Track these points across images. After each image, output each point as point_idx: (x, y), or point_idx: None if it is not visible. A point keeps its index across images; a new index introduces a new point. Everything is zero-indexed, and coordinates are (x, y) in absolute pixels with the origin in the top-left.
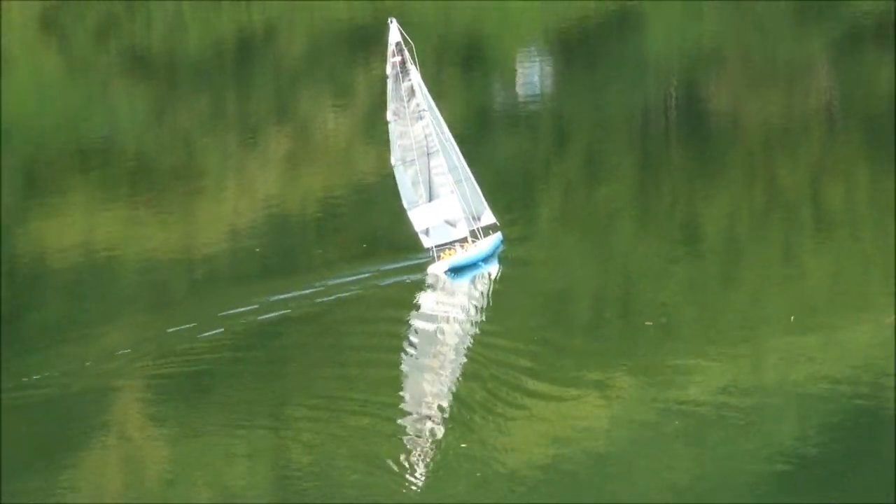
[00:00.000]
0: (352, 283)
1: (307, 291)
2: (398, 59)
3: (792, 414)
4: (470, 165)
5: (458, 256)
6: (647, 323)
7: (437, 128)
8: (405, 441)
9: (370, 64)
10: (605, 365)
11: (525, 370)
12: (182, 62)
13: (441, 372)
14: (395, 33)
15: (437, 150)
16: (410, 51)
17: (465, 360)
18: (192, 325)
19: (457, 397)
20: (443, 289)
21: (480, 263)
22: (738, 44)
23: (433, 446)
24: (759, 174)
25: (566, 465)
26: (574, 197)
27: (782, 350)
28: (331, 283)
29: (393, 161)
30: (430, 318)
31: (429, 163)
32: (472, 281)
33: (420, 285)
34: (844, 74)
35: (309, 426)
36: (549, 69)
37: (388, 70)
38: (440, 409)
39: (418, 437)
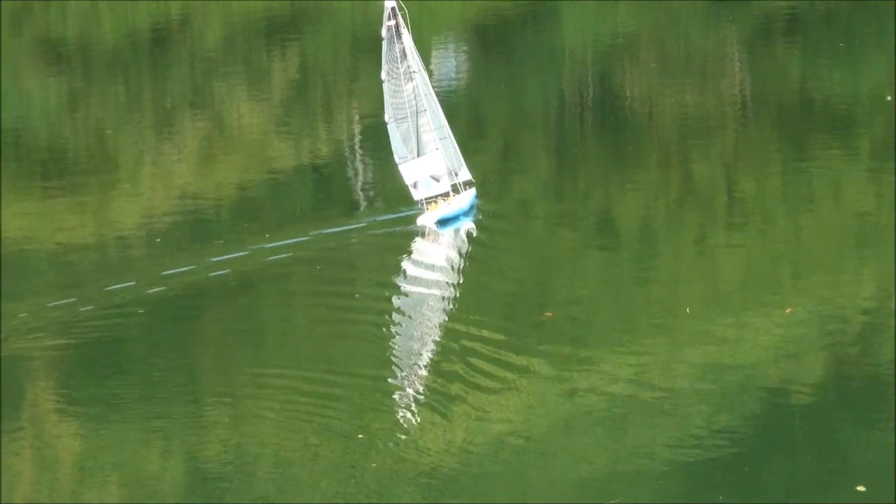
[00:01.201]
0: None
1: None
2: (393, 22)
3: (703, 404)
4: (384, 154)
5: (444, 209)
6: (546, 314)
7: (425, 88)
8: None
9: (286, 56)
10: (511, 357)
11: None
12: (97, 53)
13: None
14: None
15: (425, 109)
16: (404, 16)
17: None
18: (131, 282)
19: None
20: (434, 237)
21: (462, 216)
22: (652, 37)
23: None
24: (674, 166)
25: (476, 460)
26: (487, 187)
27: (694, 341)
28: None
29: (386, 118)
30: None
31: (417, 121)
32: (456, 231)
33: (413, 234)
34: (756, 68)
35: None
36: (464, 59)
37: (384, 33)
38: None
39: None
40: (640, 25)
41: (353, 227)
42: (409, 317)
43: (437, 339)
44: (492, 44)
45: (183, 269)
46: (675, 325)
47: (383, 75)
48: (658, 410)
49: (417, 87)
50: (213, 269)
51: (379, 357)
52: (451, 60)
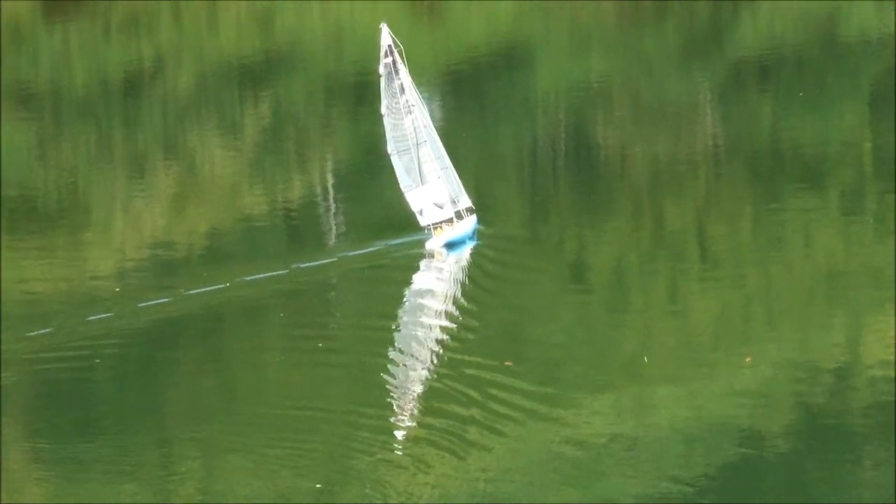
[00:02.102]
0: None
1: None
2: (390, 59)
3: (674, 453)
4: (361, 198)
5: (449, 233)
6: (507, 363)
7: (424, 121)
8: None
9: (258, 102)
10: (485, 405)
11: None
12: (68, 99)
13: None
14: (386, 37)
15: (425, 141)
16: (400, 52)
17: None
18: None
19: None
20: (443, 260)
21: (466, 240)
22: (625, 85)
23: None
24: (646, 213)
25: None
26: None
27: (666, 388)
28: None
29: (389, 150)
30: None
31: (418, 152)
32: (460, 254)
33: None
34: (728, 116)
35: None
36: (437, 106)
37: (381, 70)
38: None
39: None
40: (613, 73)
41: (328, 260)
42: (385, 354)
43: (408, 380)
44: (465, 91)
45: (160, 300)
46: (646, 372)
47: (383, 109)
48: (630, 458)
49: (416, 119)
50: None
51: (355, 395)
52: (425, 108)
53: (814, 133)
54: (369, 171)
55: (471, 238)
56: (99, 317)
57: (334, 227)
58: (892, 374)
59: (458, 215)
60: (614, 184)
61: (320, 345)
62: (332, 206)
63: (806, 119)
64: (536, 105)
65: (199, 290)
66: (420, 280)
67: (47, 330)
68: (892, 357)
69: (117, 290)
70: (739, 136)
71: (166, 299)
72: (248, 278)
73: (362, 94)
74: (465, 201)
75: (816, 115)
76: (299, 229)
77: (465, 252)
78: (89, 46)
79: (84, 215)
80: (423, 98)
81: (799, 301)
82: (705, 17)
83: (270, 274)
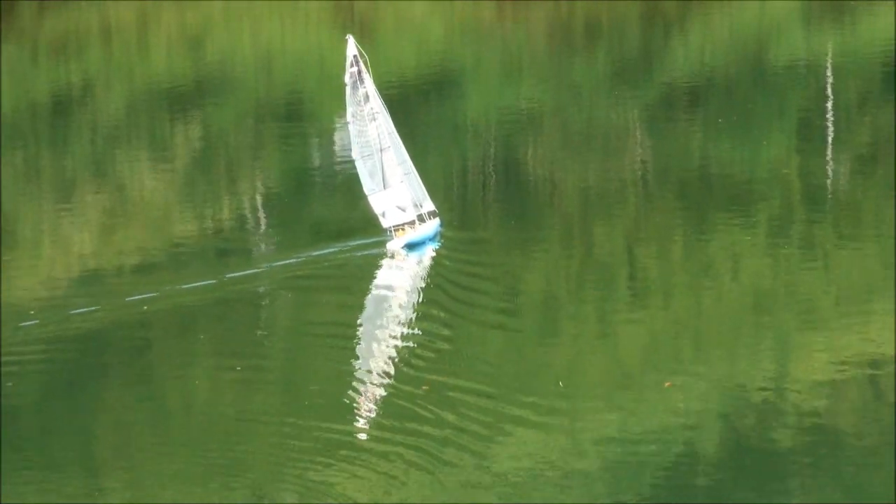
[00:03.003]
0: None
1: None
2: (355, 69)
3: (604, 479)
4: (289, 224)
5: (410, 235)
6: (423, 387)
7: (388, 128)
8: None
9: (188, 126)
10: (411, 430)
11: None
12: None
13: None
14: (352, 48)
15: (389, 147)
16: (365, 63)
17: None
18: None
19: None
20: (403, 260)
21: (428, 241)
22: (555, 111)
23: None
24: (575, 239)
25: None
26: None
27: (595, 415)
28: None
29: (354, 155)
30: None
31: (382, 157)
32: (421, 255)
33: (382, 257)
34: (658, 142)
35: None
36: None
37: (347, 79)
38: None
39: None
40: (544, 99)
41: (257, 270)
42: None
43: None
44: (395, 116)
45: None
46: (575, 398)
47: (349, 117)
48: (560, 486)
49: (380, 126)
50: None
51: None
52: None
53: (742, 159)
54: (300, 189)
55: (432, 240)
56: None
57: (265, 241)
58: (818, 397)
59: (421, 218)
60: (543, 209)
61: (238, 367)
62: (263, 223)
63: (735, 145)
64: (466, 129)
65: (133, 298)
66: (381, 279)
67: None
68: (819, 379)
69: (31, 312)
70: (668, 162)
71: (95, 308)
72: (183, 286)
73: (293, 115)
74: (429, 205)
75: (745, 141)
76: (230, 243)
77: (426, 253)
78: (17, 69)
79: (10, 237)
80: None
81: (727, 325)
82: (636, 43)
83: (202, 283)
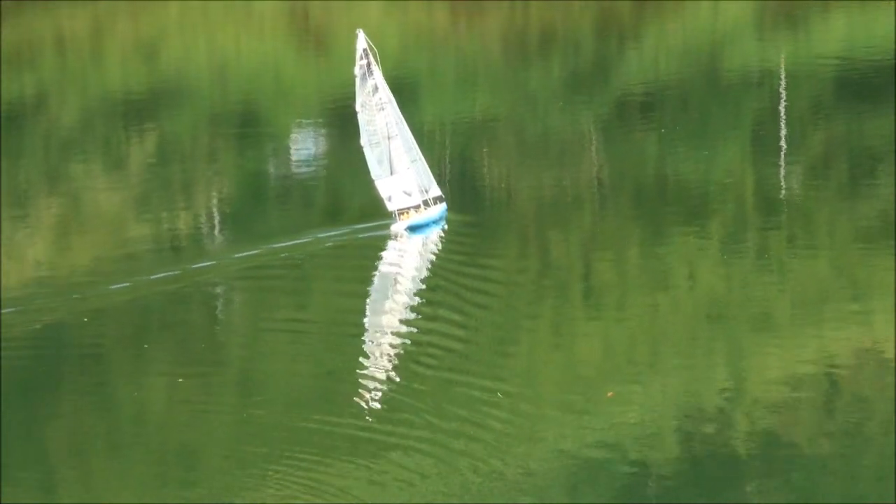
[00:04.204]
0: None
1: None
2: (365, 61)
3: (561, 486)
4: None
5: (414, 218)
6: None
7: (395, 117)
8: None
9: (144, 137)
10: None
11: None
12: None
13: None
14: (362, 41)
15: (396, 135)
16: (374, 56)
17: None
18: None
19: None
20: (405, 241)
21: (432, 224)
22: (510, 119)
23: None
24: (531, 247)
25: None
26: (346, 266)
27: (551, 421)
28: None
29: (362, 142)
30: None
31: (389, 145)
32: (425, 237)
33: (387, 238)
34: (613, 150)
35: None
36: (324, 141)
37: (356, 70)
38: None
39: None
40: (499, 108)
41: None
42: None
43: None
44: (351, 126)
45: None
46: (531, 406)
47: (357, 106)
48: (517, 490)
49: (388, 116)
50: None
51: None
52: (311, 143)
53: (697, 167)
54: (255, 200)
55: (436, 223)
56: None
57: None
58: (772, 406)
59: (426, 203)
60: (499, 218)
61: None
62: (218, 230)
63: (689, 154)
64: (422, 139)
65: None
66: (382, 259)
67: None
68: (774, 386)
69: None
70: (624, 171)
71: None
72: (152, 277)
73: (248, 126)
74: (435, 191)
75: (700, 150)
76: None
77: (430, 235)
78: None
79: None
80: (310, 135)
81: (682, 333)
82: (590, 52)
83: (164, 274)
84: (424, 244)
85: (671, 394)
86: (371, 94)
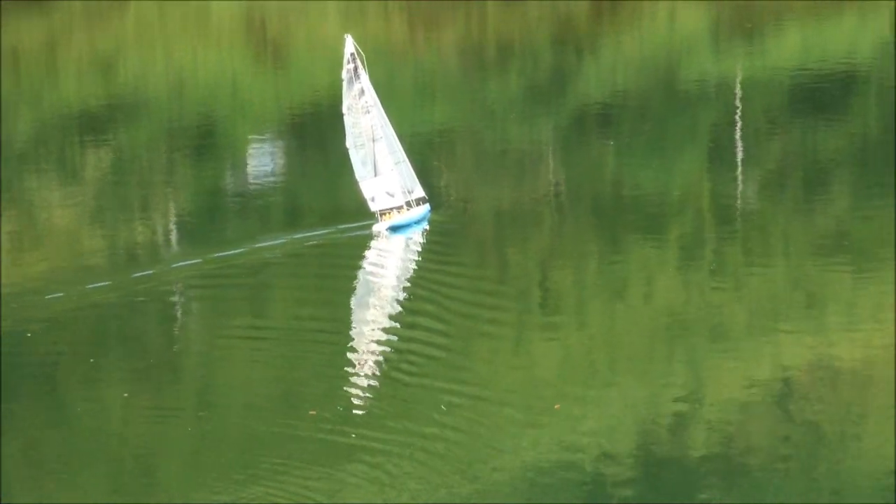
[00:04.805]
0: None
1: None
2: (352, 66)
3: (518, 495)
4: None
5: (396, 218)
6: (311, 412)
7: (381, 120)
8: None
9: (100, 146)
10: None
11: None
12: None
13: None
14: (349, 46)
15: (381, 137)
16: (362, 60)
17: None
18: None
19: None
20: (386, 241)
21: (413, 224)
22: (468, 132)
23: None
24: (490, 259)
25: None
26: (304, 277)
27: (508, 432)
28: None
29: (347, 144)
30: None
31: (374, 147)
32: (408, 236)
33: (369, 238)
34: (571, 163)
35: None
36: (281, 154)
37: (344, 74)
38: None
39: None
40: (457, 121)
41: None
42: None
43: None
44: (308, 138)
45: None
46: (490, 416)
47: (344, 109)
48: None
49: (374, 118)
50: None
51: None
52: (268, 155)
53: (655, 179)
54: (211, 213)
55: (418, 224)
56: None
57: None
58: (728, 415)
59: (409, 204)
60: (456, 230)
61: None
62: (173, 239)
63: (647, 165)
64: None
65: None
66: (363, 257)
67: None
68: (728, 398)
69: None
70: (582, 183)
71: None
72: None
73: (206, 139)
74: (419, 192)
75: (657, 162)
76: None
77: (411, 236)
78: None
79: None
80: (267, 147)
81: (639, 344)
82: (548, 64)
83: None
84: (407, 245)
85: (628, 403)
86: (357, 97)
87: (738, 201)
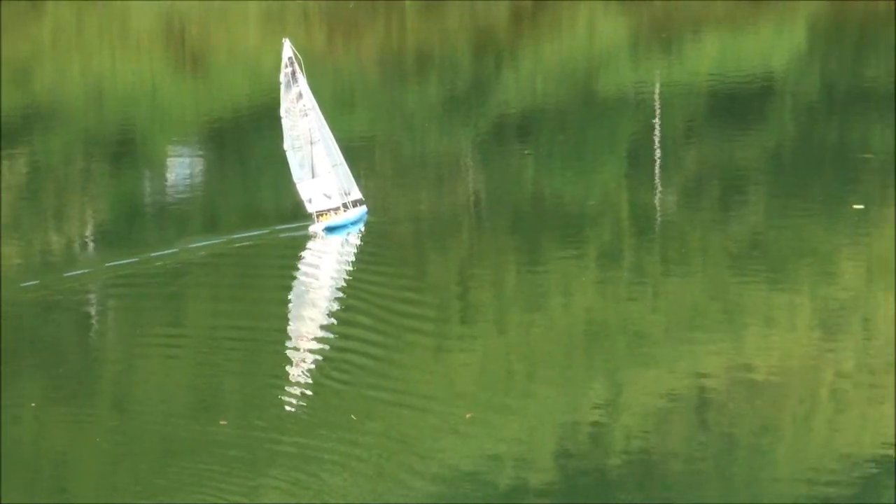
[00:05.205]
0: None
1: None
2: (290, 69)
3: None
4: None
5: (333, 219)
6: (221, 422)
7: (318, 123)
8: None
9: (14, 160)
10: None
11: None
12: None
13: None
14: (287, 50)
15: (319, 140)
16: (299, 64)
17: None
18: None
19: None
20: (321, 242)
21: (350, 225)
22: (387, 141)
23: None
24: (408, 268)
25: None
26: (224, 283)
27: (424, 442)
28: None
29: (285, 146)
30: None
31: (312, 150)
32: (344, 237)
33: (304, 239)
34: (490, 172)
35: None
36: (199, 161)
37: (282, 78)
38: None
39: None
40: (376, 129)
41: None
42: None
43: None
44: (228, 146)
45: None
46: (405, 427)
47: (282, 112)
48: None
49: (311, 122)
50: None
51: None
52: (186, 164)
53: (574, 188)
54: (129, 223)
55: (354, 225)
56: None
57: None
58: (646, 424)
59: (346, 206)
60: (374, 239)
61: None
62: (90, 245)
63: (566, 174)
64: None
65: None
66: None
67: None
68: (649, 405)
69: None
70: (500, 191)
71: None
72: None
73: (123, 149)
74: (356, 194)
75: (576, 170)
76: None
77: (346, 236)
78: None
79: None
80: (185, 156)
81: (557, 354)
82: (467, 72)
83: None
84: (342, 246)
85: (546, 410)
86: (295, 100)
87: (657, 210)
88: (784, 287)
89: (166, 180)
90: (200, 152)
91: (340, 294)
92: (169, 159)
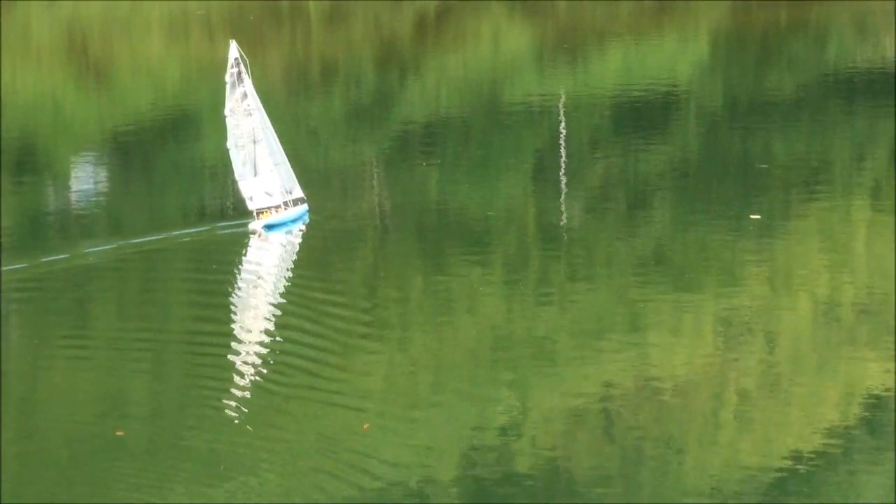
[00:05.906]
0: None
1: None
2: (235, 70)
3: None
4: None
5: (273, 217)
6: (118, 432)
7: (262, 123)
8: None
9: None
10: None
11: None
12: None
13: None
14: (234, 51)
15: (262, 140)
16: (245, 65)
17: None
18: None
19: None
20: (260, 239)
21: (289, 223)
22: (293, 152)
23: None
24: (314, 280)
25: None
26: (130, 293)
27: (324, 455)
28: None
29: (228, 145)
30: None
31: (255, 149)
32: (284, 234)
33: (244, 236)
34: (395, 182)
35: None
36: (104, 173)
37: (227, 78)
38: None
39: None
40: (281, 140)
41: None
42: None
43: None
44: (133, 157)
45: None
46: (305, 439)
47: (226, 111)
48: None
49: (255, 121)
50: None
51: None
52: (91, 175)
53: (479, 200)
54: (35, 236)
55: (294, 222)
56: None
57: None
58: (555, 431)
59: (287, 204)
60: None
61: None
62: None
63: (471, 186)
64: (203, 171)
65: None
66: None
67: None
68: (556, 415)
69: None
70: (406, 204)
71: None
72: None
73: (25, 161)
74: (298, 193)
75: (482, 183)
76: None
77: (286, 234)
78: None
79: None
80: (90, 167)
81: (465, 364)
82: (372, 84)
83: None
84: (280, 244)
85: (452, 424)
86: (240, 100)
87: (562, 220)
88: (687, 296)
89: (70, 189)
90: (104, 163)
91: (277, 292)
92: (73, 169)
